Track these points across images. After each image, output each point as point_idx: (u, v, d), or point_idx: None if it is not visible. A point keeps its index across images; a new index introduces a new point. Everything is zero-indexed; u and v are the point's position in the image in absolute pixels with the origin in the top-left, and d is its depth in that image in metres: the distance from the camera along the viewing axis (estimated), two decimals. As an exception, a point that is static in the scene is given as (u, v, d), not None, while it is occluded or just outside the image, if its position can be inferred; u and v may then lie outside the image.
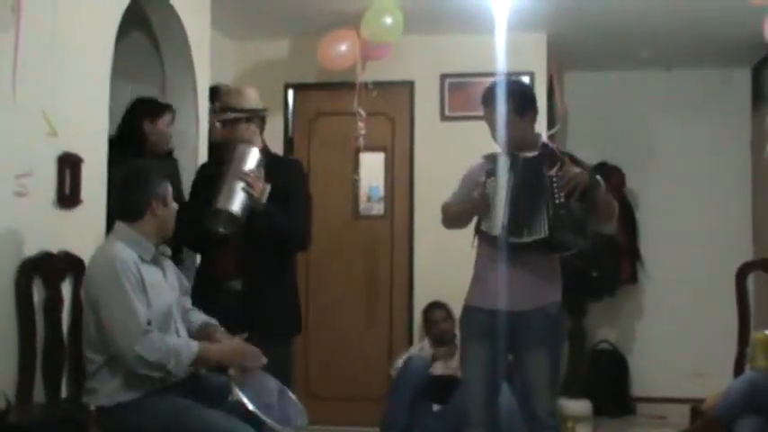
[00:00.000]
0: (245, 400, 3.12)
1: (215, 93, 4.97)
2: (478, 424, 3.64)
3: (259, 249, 3.87)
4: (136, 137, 4.35)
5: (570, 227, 3.41)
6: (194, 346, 3.18)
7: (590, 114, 6.80)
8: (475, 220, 3.65)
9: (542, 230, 3.40)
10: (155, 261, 3.28)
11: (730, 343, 4.38)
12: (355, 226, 5.94)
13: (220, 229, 3.79)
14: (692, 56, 6.41)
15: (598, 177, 3.46)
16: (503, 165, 3.53)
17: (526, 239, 3.44)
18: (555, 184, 3.37)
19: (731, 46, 6.05)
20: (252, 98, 4.06)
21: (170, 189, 3.34)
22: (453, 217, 3.73)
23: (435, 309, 5.51)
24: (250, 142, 3.92)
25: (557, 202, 3.37)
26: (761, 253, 6.21)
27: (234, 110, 4.00)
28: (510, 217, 3.46)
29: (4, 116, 3.18)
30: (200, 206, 3.80)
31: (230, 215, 3.74)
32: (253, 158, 3.83)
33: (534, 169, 3.46)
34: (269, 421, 3.12)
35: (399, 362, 5.37)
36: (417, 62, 5.98)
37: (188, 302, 3.53)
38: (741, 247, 6.38)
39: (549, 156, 3.49)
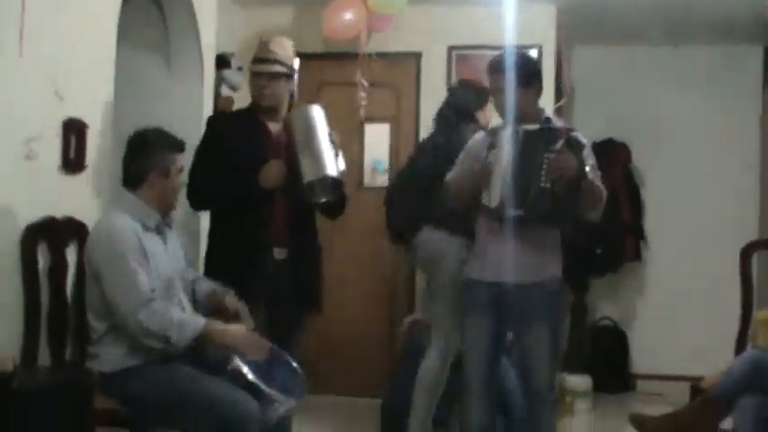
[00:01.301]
0: (245, 370, 3.14)
1: (221, 61, 4.95)
2: (479, 396, 3.66)
3: (306, 216, 3.77)
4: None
5: (548, 210, 3.44)
6: (201, 322, 3.16)
7: (597, 89, 6.75)
8: None
9: (524, 207, 3.44)
10: (158, 230, 3.28)
11: (732, 322, 4.38)
12: (359, 197, 5.92)
13: (322, 199, 3.62)
14: (702, 32, 6.36)
15: (587, 169, 3.46)
16: (505, 137, 3.52)
17: (516, 213, 3.47)
18: (544, 168, 3.38)
19: (742, 23, 6.01)
20: (292, 53, 3.81)
21: (176, 162, 3.30)
22: (457, 191, 3.72)
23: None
24: (309, 103, 3.78)
25: (541, 185, 3.40)
26: (766, 232, 6.20)
27: (281, 63, 3.74)
28: (510, 189, 3.46)
29: (11, 81, 3.17)
30: (242, 169, 3.61)
31: (335, 181, 3.59)
32: (323, 117, 3.65)
33: (532, 144, 3.46)
34: (268, 390, 3.13)
35: (404, 324, 5.41)
36: (424, 34, 5.94)
37: (191, 273, 3.52)
38: (746, 226, 6.37)
39: (550, 132, 3.48)
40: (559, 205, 3.45)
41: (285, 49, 3.77)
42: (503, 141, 3.52)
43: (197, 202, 3.81)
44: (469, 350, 3.72)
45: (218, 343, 3.19)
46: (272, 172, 3.63)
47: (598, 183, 3.55)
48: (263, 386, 3.13)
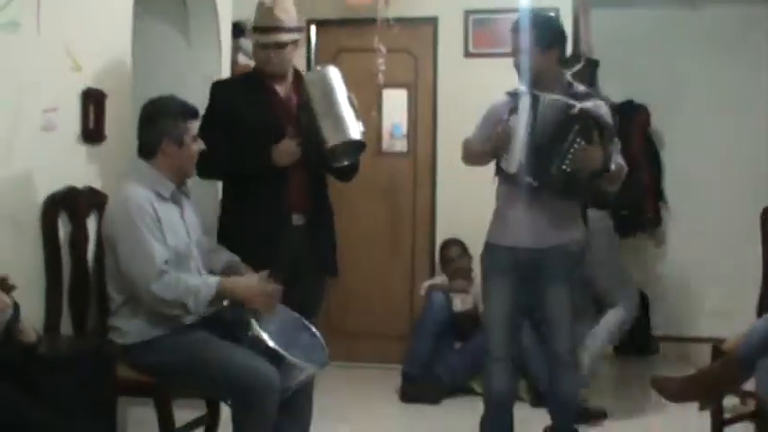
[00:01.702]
0: (265, 336, 3.14)
1: (237, 29, 4.93)
2: (500, 360, 3.67)
3: (321, 180, 3.71)
4: None
5: (563, 189, 3.48)
6: (213, 282, 3.16)
7: (616, 52, 6.64)
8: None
9: (541, 180, 3.45)
10: (173, 199, 3.26)
11: (754, 283, 4.36)
12: (378, 163, 5.92)
13: (345, 162, 3.56)
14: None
15: (613, 160, 3.47)
16: (525, 102, 3.50)
17: (530, 181, 3.48)
18: (571, 153, 3.39)
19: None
20: (295, 14, 3.64)
21: (190, 130, 3.24)
22: (474, 154, 3.72)
23: (450, 246, 5.54)
24: (325, 65, 3.70)
25: (563, 167, 3.41)
26: (788, 193, 6.15)
27: (288, 30, 3.56)
28: (527, 156, 3.45)
29: (29, 51, 3.17)
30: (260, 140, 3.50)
31: (359, 144, 3.52)
32: (341, 78, 3.55)
33: (558, 117, 3.44)
34: (288, 357, 3.13)
35: (422, 289, 5.44)
36: (441, -2, 5.91)
37: (209, 243, 3.49)
38: (767, 187, 6.31)
39: (572, 107, 3.46)
40: (576, 185, 3.47)
41: (289, 13, 3.60)
42: (523, 107, 3.50)
43: (205, 173, 3.58)
44: (489, 314, 3.72)
45: (232, 297, 3.18)
46: (285, 151, 3.50)
47: (619, 160, 3.54)
48: (283, 353, 3.13)
